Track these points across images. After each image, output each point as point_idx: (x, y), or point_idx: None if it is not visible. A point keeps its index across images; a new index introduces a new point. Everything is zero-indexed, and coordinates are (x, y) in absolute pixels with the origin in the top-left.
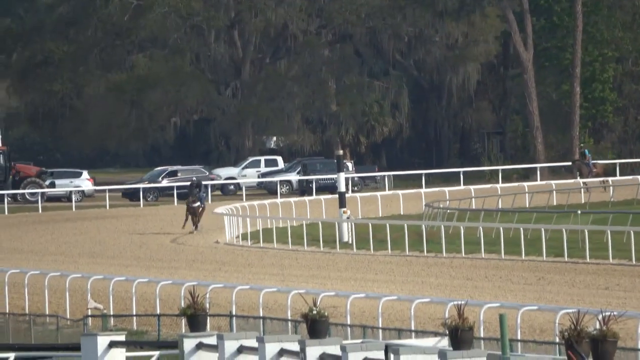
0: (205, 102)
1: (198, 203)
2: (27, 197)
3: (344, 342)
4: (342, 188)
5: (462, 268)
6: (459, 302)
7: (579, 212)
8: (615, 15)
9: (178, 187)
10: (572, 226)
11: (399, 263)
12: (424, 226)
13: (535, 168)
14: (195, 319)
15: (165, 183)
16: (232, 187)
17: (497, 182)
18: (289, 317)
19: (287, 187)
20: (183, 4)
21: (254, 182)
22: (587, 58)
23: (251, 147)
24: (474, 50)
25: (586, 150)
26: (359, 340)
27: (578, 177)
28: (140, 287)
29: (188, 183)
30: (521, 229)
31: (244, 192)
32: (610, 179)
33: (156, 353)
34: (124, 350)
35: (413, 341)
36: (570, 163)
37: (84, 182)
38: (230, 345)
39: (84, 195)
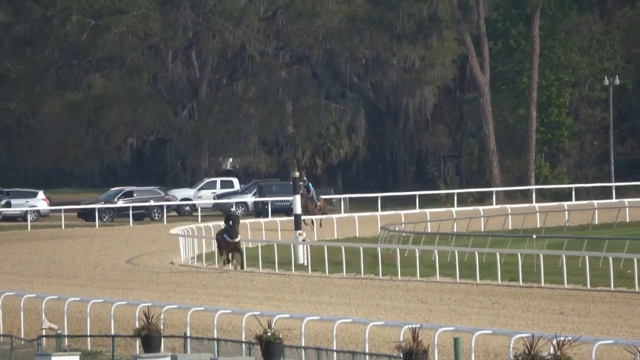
0: (161, 122)
1: (239, 238)
2: None
3: None
4: (298, 210)
5: (417, 291)
6: (414, 326)
7: (534, 236)
8: (572, 40)
9: (134, 208)
10: (527, 250)
11: (354, 286)
12: (379, 249)
13: (491, 192)
14: (150, 340)
15: (121, 203)
16: (187, 208)
17: (453, 205)
18: (244, 339)
19: (243, 209)
20: (141, 25)
21: (209, 203)
22: (543, 82)
23: (207, 169)
24: (431, 74)
25: (310, 184)
26: None
27: (305, 214)
28: (95, 308)
29: (224, 215)
30: (476, 252)
31: (199, 213)
32: (328, 216)
33: None
34: None
35: None
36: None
37: (40, 201)
38: None
39: (39, 215)
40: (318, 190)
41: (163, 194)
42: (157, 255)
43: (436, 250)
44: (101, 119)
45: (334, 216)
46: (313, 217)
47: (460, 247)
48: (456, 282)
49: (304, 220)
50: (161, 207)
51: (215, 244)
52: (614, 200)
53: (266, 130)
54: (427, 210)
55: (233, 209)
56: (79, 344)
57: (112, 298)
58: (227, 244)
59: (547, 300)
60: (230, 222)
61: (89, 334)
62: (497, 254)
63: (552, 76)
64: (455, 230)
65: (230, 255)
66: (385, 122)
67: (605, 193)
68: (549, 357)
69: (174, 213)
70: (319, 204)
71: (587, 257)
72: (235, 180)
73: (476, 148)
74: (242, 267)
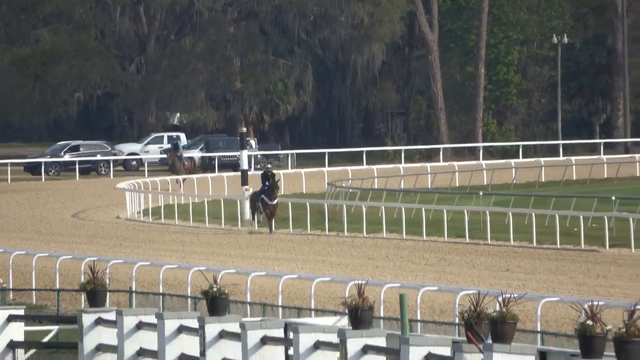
0: (109, 77)
1: (276, 200)
2: None
3: (244, 319)
4: (245, 166)
5: (364, 247)
6: (360, 282)
7: (481, 193)
8: None
9: (80, 162)
10: (474, 207)
11: (300, 241)
12: (326, 205)
13: (438, 149)
14: (95, 294)
15: (67, 158)
16: (134, 162)
17: (400, 162)
18: (189, 294)
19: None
20: None
21: (156, 158)
22: (492, 40)
23: (154, 123)
24: (379, 31)
25: (179, 143)
26: (259, 318)
27: (170, 174)
28: (40, 261)
29: (260, 172)
30: (423, 209)
31: (146, 168)
32: (191, 176)
33: (55, 328)
34: (22, 324)
35: (313, 320)
36: (165, 157)
37: None
38: (130, 321)
39: None
40: (265, 146)
41: (110, 149)
42: (103, 209)
43: (383, 207)
44: (48, 74)
45: (281, 172)
46: (180, 176)
47: (407, 204)
48: (402, 238)
49: (176, 180)
50: (108, 161)
51: (250, 205)
52: (560, 158)
53: (214, 86)
54: (375, 167)
55: (270, 166)
56: (24, 298)
57: (57, 252)
58: (266, 206)
59: (493, 257)
60: (267, 183)
61: (34, 287)
62: (444, 211)
63: (500, 34)
64: (402, 186)
65: (270, 217)
66: (333, 78)
67: (552, 151)
68: (494, 313)
69: (121, 167)
70: (186, 163)
71: (533, 214)
72: (182, 135)
73: (424, 105)
74: (269, 232)
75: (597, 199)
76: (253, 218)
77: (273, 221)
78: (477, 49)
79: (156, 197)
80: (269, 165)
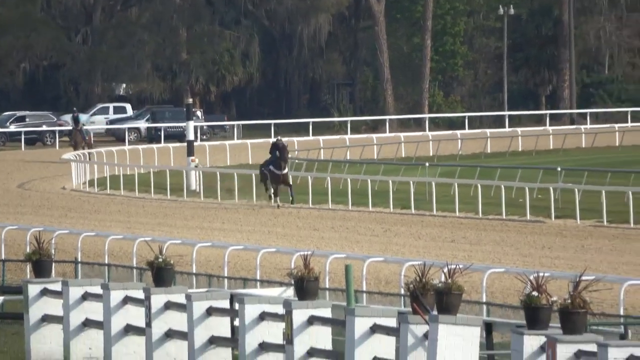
0: (55, 48)
1: (286, 170)
2: None
3: (189, 290)
4: (191, 136)
5: (309, 218)
6: (305, 252)
7: (427, 164)
8: None
9: (26, 133)
10: (420, 178)
11: (246, 212)
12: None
13: (385, 120)
14: (40, 264)
15: (13, 128)
16: None
17: (346, 133)
18: (135, 265)
19: (136, 135)
20: None
21: (102, 128)
22: (438, 11)
23: (100, 94)
24: (326, 1)
25: (79, 116)
26: (204, 289)
27: (72, 149)
28: None
29: (272, 141)
30: (369, 180)
31: (91, 138)
32: (96, 150)
33: (0, 298)
34: None
35: (258, 291)
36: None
37: None
38: (75, 292)
39: None
40: (211, 117)
41: (55, 119)
42: (49, 180)
43: (329, 178)
44: None
45: (227, 143)
46: (80, 152)
47: (353, 175)
48: (348, 209)
49: (73, 146)
50: (53, 132)
51: (260, 176)
52: (506, 129)
53: (160, 57)
54: (320, 138)
55: (279, 137)
56: None
57: (3, 222)
58: (274, 177)
59: (439, 228)
60: (277, 152)
61: None
62: (390, 182)
63: (447, 5)
64: (348, 157)
65: (276, 188)
66: (279, 49)
67: (498, 122)
68: (440, 284)
69: (67, 138)
70: (87, 138)
71: (479, 185)
72: (128, 106)
73: (370, 76)
74: (292, 202)
75: (543, 170)
76: (266, 189)
77: (291, 190)
78: (424, 19)
79: (102, 167)
80: (279, 138)
